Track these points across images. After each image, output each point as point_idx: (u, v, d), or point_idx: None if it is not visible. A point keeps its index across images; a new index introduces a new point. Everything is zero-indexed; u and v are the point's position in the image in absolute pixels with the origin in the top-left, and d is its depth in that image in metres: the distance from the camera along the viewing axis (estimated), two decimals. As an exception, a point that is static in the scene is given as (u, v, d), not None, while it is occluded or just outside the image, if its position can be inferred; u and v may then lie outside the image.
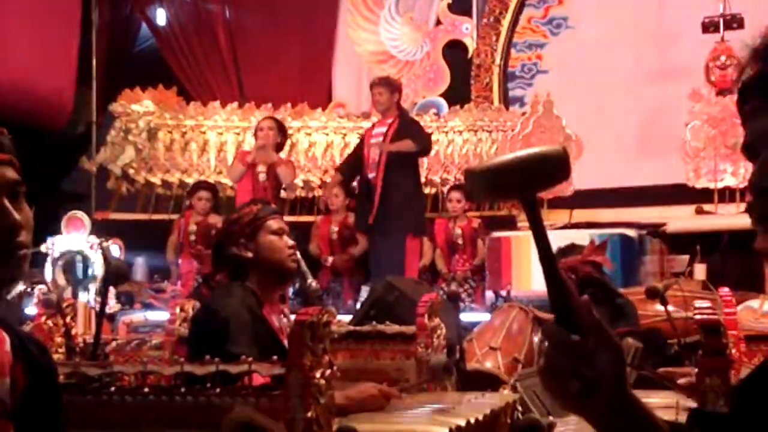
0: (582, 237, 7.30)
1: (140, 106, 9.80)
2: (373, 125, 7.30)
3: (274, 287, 3.08)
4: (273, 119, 7.62)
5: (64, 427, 1.53)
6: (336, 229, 8.00)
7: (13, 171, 1.41)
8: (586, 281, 4.62)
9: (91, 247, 5.48)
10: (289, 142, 9.77)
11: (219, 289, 3.10)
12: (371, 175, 7.06)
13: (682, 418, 2.36)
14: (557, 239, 7.57)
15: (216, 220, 7.80)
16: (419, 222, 7.33)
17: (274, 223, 3.08)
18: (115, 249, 5.75)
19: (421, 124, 7.67)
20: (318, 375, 2.05)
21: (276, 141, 7.33)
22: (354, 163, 7.39)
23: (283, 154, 9.26)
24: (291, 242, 3.09)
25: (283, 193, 7.86)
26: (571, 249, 4.87)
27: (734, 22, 8.92)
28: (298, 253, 3.16)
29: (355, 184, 7.80)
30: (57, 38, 9.19)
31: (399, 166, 7.02)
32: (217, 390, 2.11)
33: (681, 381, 2.51)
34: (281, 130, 7.42)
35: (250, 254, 3.02)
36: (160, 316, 6.18)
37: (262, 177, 7.22)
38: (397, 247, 6.95)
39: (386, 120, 7.12)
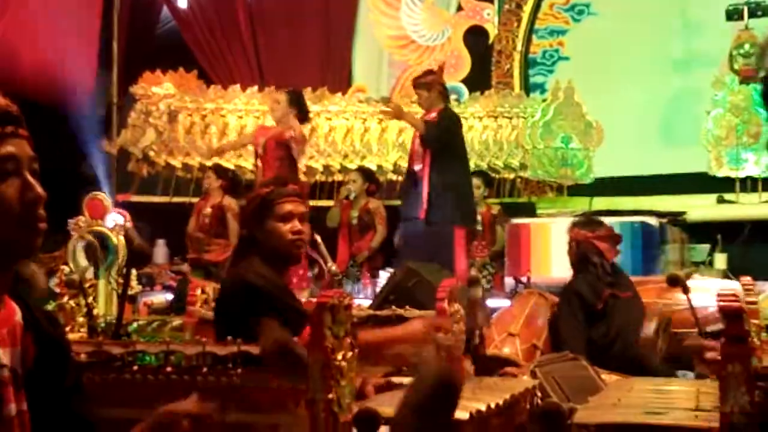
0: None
1: (161, 89, 9.82)
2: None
3: (280, 269, 3.15)
4: (282, 93, 7.36)
5: (78, 397, 1.56)
6: (356, 214, 8.00)
7: (29, 148, 1.47)
8: (583, 256, 4.75)
9: (113, 229, 5.49)
10: (309, 126, 9.78)
11: (242, 262, 3.16)
12: (417, 167, 7.01)
13: (703, 404, 2.36)
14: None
15: (229, 202, 7.81)
16: (466, 212, 7.24)
17: (283, 207, 3.10)
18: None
19: (455, 119, 7.49)
20: (339, 357, 2.06)
21: (283, 113, 7.17)
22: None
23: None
24: (298, 227, 3.10)
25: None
26: (588, 223, 5.00)
27: (759, 9, 8.84)
28: (317, 237, 3.19)
29: None
30: (79, 21, 9.22)
31: (444, 158, 6.97)
32: (239, 370, 2.13)
33: (708, 355, 2.51)
34: (292, 101, 7.23)
35: (256, 236, 3.10)
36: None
37: (260, 150, 7.22)
38: (446, 239, 6.91)
39: (430, 114, 7.07)
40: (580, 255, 4.80)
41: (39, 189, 1.44)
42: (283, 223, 3.09)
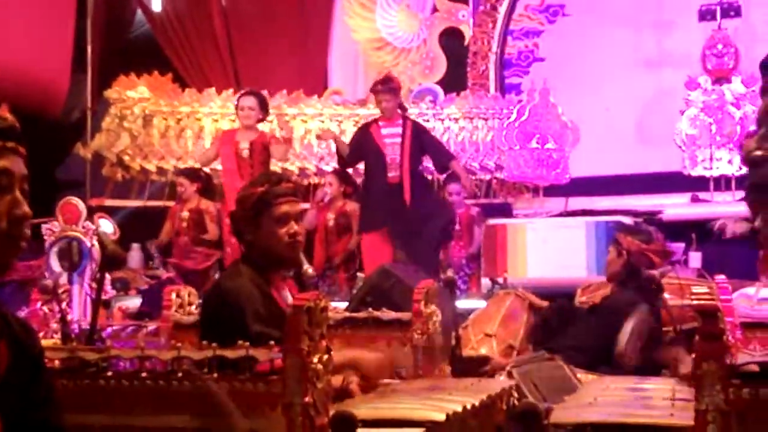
0: (578, 224, 7.34)
1: (135, 93, 9.77)
2: (378, 125, 7.20)
3: (275, 270, 3.03)
4: (253, 96, 7.48)
5: (50, 404, 1.57)
6: (333, 216, 7.99)
7: (24, 166, 1.53)
8: (634, 267, 4.48)
9: (86, 234, 5.46)
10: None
11: (228, 269, 3.12)
12: (392, 174, 7.00)
13: (678, 402, 2.37)
14: (553, 227, 7.61)
15: (207, 205, 7.78)
16: (448, 212, 7.31)
17: (280, 208, 2.97)
18: (107, 225, 5.68)
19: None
20: (315, 360, 2.05)
21: (258, 118, 7.34)
22: (356, 155, 7.34)
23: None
24: (295, 228, 2.99)
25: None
26: (640, 232, 4.69)
27: (731, 10, 8.93)
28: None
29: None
30: (52, 24, 9.16)
31: (417, 165, 7.07)
32: (214, 375, 2.11)
33: (683, 371, 2.51)
34: (262, 106, 7.39)
35: (250, 237, 2.98)
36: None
37: (245, 153, 7.25)
38: (434, 242, 6.94)
39: (394, 120, 7.07)
40: (630, 268, 4.44)
41: (26, 207, 1.49)
42: (280, 225, 2.96)
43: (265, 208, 2.96)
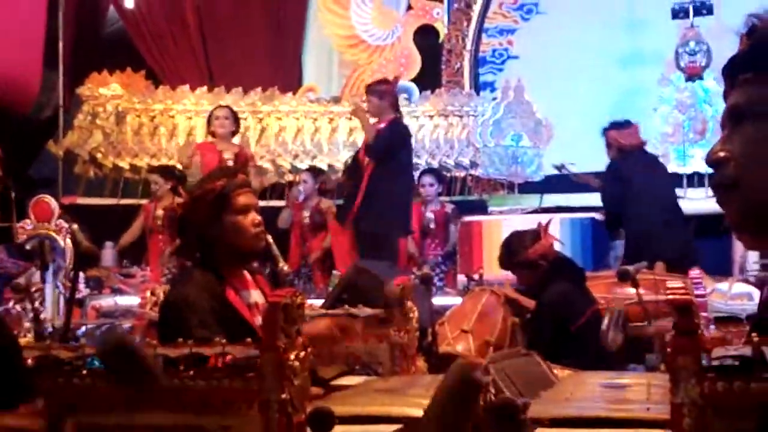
0: (553, 221, 7.35)
1: (108, 90, 9.72)
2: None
3: (241, 266, 2.99)
4: (227, 108, 7.82)
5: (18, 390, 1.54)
6: (308, 214, 7.99)
7: (1, 169, 1.47)
8: (558, 263, 4.61)
9: (59, 232, 5.42)
10: (259, 126, 9.76)
11: (180, 275, 3.08)
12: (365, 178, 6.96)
13: (654, 396, 2.38)
14: (527, 224, 7.60)
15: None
16: (404, 223, 7.14)
17: (240, 200, 2.95)
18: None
19: (403, 132, 7.32)
20: (292, 357, 2.04)
21: (231, 130, 7.59)
22: (353, 166, 7.25)
23: (253, 140, 9.39)
24: (258, 218, 2.97)
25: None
26: (521, 235, 4.79)
27: (704, 8, 8.99)
28: (268, 236, 3.11)
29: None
30: (23, 21, 9.07)
31: (385, 169, 6.79)
32: (191, 372, 2.10)
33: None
34: (236, 118, 7.67)
35: (213, 234, 2.93)
36: (130, 300, 6.14)
37: (230, 164, 7.29)
38: (386, 251, 6.79)
39: (379, 124, 7.01)
40: (552, 269, 4.56)
41: None
42: (243, 216, 2.94)
43: (225, 202, 2.92)
